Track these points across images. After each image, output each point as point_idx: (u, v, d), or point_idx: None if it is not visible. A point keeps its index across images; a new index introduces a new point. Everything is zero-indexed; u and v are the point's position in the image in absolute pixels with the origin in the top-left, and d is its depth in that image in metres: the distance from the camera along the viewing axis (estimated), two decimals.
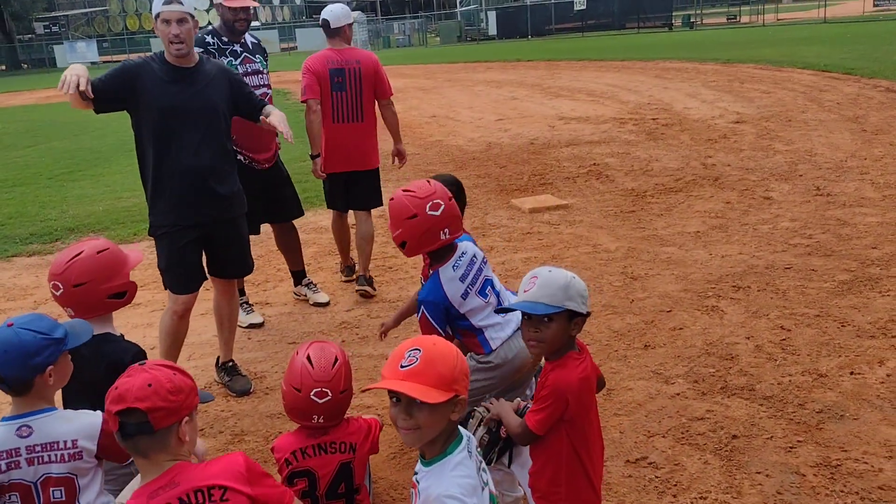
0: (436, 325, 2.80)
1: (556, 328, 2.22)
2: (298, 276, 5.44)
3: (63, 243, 7.14)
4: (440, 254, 2.88)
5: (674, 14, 47.75)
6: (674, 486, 3.00)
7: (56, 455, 2.07)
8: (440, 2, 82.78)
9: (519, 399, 2.64)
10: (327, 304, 5.28)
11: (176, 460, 1.88)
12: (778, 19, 43.04)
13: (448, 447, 1.92)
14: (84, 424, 2.13)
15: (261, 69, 4.79)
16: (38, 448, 2.07)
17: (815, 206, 6.61)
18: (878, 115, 10.57)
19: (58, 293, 2.61)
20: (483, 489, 1.95)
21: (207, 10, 66.32)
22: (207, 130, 3.77)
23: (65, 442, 2.09)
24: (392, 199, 2.89)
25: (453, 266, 2.86)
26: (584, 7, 49.07)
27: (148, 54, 3.85)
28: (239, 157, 4.57)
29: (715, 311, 4.63)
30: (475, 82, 20.99)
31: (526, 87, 18.54)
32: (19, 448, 2.06)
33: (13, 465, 2.06)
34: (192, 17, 3.62)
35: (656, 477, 3.07)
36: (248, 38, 4.76)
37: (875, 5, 45.70)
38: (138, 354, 2.58)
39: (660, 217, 6.73)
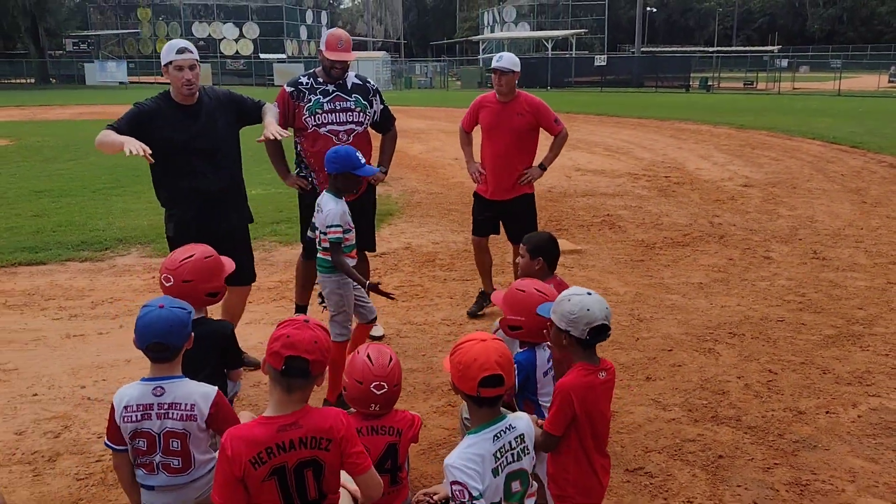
0: (516, 383, 3.29)
1: (553, 332, 2.83)
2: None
3: (113, 252, 7.73)
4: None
5: (692, 76, 48.80)
6: (665, 491, 3.50)
7: (177, 414, 2.61)
8: (463, 47, 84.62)
9: (535, 416, 3.16)
10: (381, 337, 5.47)
11: (303, 405, 2.41)
12: (794, 88, 44.04)
13: (475, 428, 2.49)
14: (202, 394, 2.66)
15: (352, 107, 5.10)
16: (166, 406, 2.61)
17: (811, 268, 7.15)
18: (879, 189, 11.16)
19: (168, 284, 3.16)
20: (500, 472, 2.47)
21: (236, 41, 68.06)
22: (212, 159, 4.39)
23: (186, 404, 2.62)
24: (521, 287, 3.36)
25: (544, 349, 3.33)
26: (604, 63, 50.26)
27: (155, 96, 4.42)
28: (318, 187, 5.09)
29: (711, 352, 5.15)
30: None
31: (544, 136, 19.20)
32: (153, 404, 2.61)
33: (146, 417, 2.60)
34: (199, 62, 4.31)
35: (651, 483, 3.57)
36: (351, 78, 5.16)
37: (890, 81, 46.77)
38: (230, 327, 3.31)
39: (667, 267, 7.27)
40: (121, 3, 74.43)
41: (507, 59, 5.51)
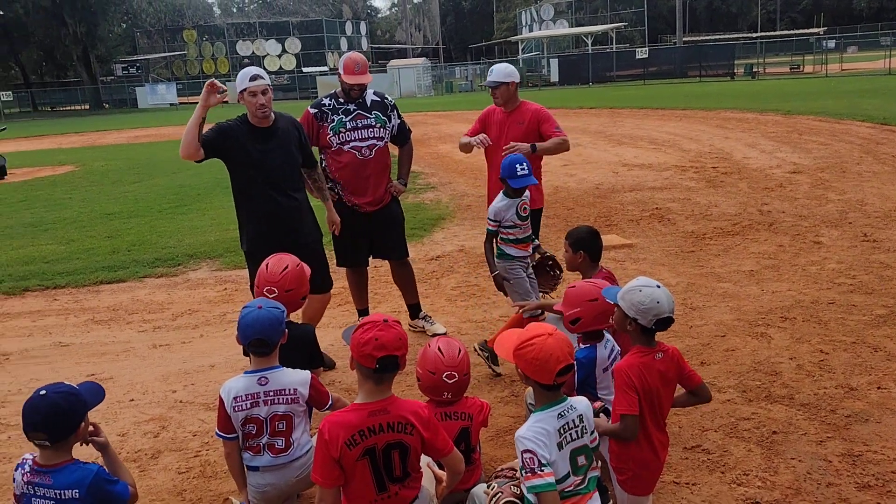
0: (576, 380, 3.56)
1: (617, 315, 3.11)
2: (414, 309, 6.05)
3: (185, 267, 8.20)
4: (597, 334, 3.60)
5: (736, 63, 48.14)
6: (722, 466, 3.72)
7: (282, 398, 2.96)
8: (502, 48, 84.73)
9: (597, 402, 3.42)
10: (443, 334, 5.71)
11: (390, 393, 2.74)
12: (842, 69, 43.11)
13: (540, 407, 2.78)
14: (301, 378, 3.02)
15: (373, 123, 5.46)
16: (271, 393, 2.96)
17: (861, 251, 7.23)
18: None
19: (272, 296, 3.50)
20: (564, 446, 2.75)
21: (279, 56, 69.24)
22: (282, 174, 4.75)
23: (288, 389, 2.98)
24: (573, 285, 3.64)
25: (605, 346, 3.62)
26: (645, 56, 49.91)
27: (235, 118, 4.75)
28: (344, 200, 5.46)
29: (763, 336, 5.32)
30: None
31: (589, 134, 19.37)
32: (259, 392, 2.96)
33: (255, 405, 2.96)
34: (270, 86, 4.65)
35: (708, 459, 3.79)
36: (370, 96, 5.52)
37: None
38: (313, 329, 3.69)
39: (717, 257, 7.42)
40: (167, 26, 76.68)
41: (497, 73, 5.41)
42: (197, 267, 8.22)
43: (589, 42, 62.44)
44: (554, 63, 54.66)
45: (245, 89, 4.56)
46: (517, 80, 5.52)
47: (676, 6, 62.33)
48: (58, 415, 2.54)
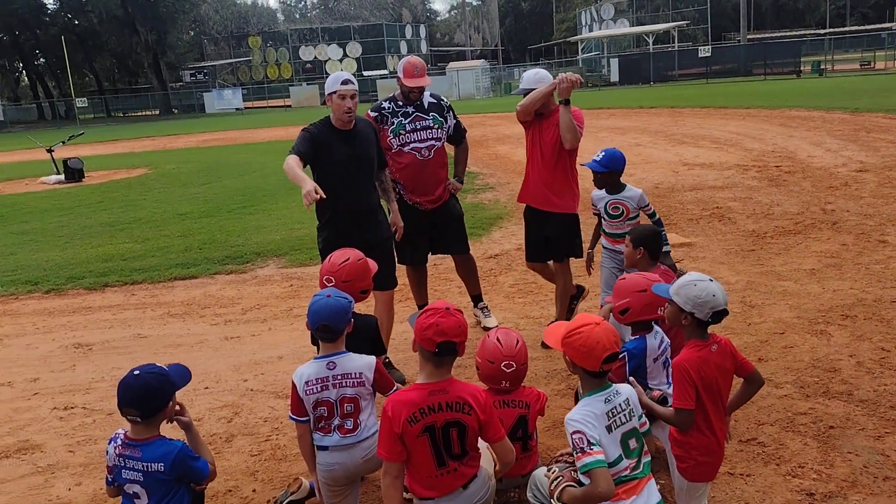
0: (627, 370, 3.65)
1: (671, 310, 3.17)
2: (476, 299, 6.27)
3: (253, 265, 8.54)
4: (647, 325, 3.70)
5: (803, 60, 46.90)
6: (777, 458, 3.77)
7: (349, 381, 3.16)
8: (561, 48, 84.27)
9: (657, 390, 3.52)
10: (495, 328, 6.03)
11: (448, 377, 2.91)
12: None
13: (587, 392, 2.92)
14: (366, 363, 3.21)
15: (431, 125, 5.65)
16: (339, 377, 3.16)
17: None
18: None
19: (330, 284, 3.70)
20: (614, 429, 2.86)
21: (340, 60, 70.38)
22: (363, 175, 4.95)
23: (355, 373, 3.18)
24: (623, 277, 3.78)
25: (654, 337, 3.72)
26: (708, 54, 49.04)
27: (317, 122, 4.95)
28: (406, 199, 5.64)
29: (823, 334, 5.30)
30: (599, 129, 21.82)
31: (649, 133, 19.23)
32: (328, 377, 3.17)
33: (324, 388, 3.16)
34: (357, 92, 4.86)
35: (763, 452, 3.84)
36: (427, 98, 5.70)
37: None
38: (376, 320, 3.88)
39: (778, 256, 7.37)
40: (233, 33, 78.63)
41: (527, 80, 5.46)
42: (264, 264, 8.54)
43: (650, 41, 61.64)
44: (614, 63, 54.15)
45: (335, 92, 4.76)
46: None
47: (741, 3, 61.05)
48: (149, 393, 2.78)
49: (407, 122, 5.59)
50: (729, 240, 8.13)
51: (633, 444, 2.91)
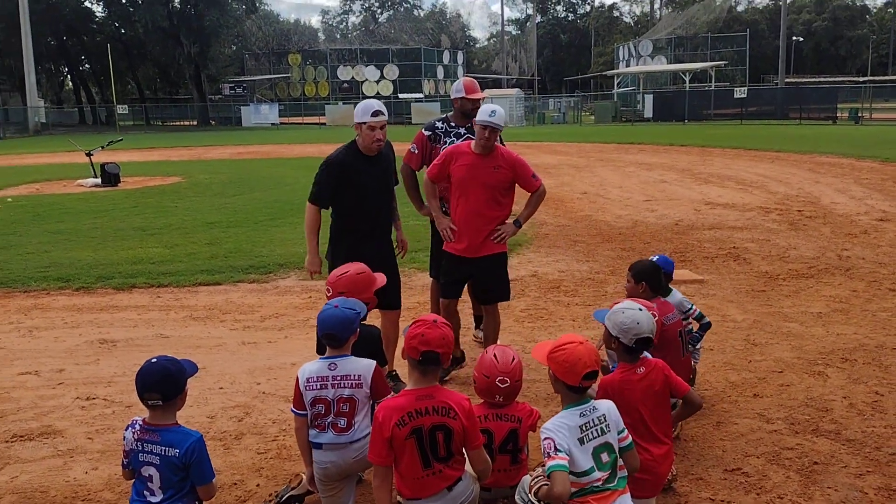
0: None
1: (605, 334, 3.57)
2: (478, 320, 6.45)
3: (275, 275, 8.82)
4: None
5: (840, 106, 46.68)
6: (759, 489, 3.91)
7: (347, 383, 3.39)
8: (597, 81, 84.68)
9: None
10: None
11: (435, 384, 3.13)
12: None
13: (565, 406, 3.20)
14: (365, 366, 3.44)
15: None
16: (339, 378, 3.39)
17: None
18: None
19: (328, 294, 3.95)
20: (585, 442, 3.07)
21: (377, 82, 71.28)
22: (384, 197, 5.19)
23: (354, 375, 3.41)
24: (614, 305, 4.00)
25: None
26: (744, 95, 49.03)
27: (341, 147, 5.10)
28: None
29: (821, 375, 5.42)
30: (627, 163, 22.01)
31: (676, 171, 19.36)
32: (328, 376, 3.40)
33: (323, 387, 3.39)
34: (387, 121, 5.03)
35: (746, 481, 3.98)
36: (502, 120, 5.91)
37: None
38: (378, 332, 4.12)
39: (787, 298, 7.48)
40: (273, 49, 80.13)
41: (500, 116, 5.10)
42: (286, 276, 8.82)
43: (687, 79, 61.80)
44: (648, 98, 54.29)
45: (365, 123, 4.92)
46: None
47: (780, 47, 61.05)
48: (168, 377, 3.03)
49: (459, 141, 5.72)
50: (741, 279, 8.25)
51: (605, 457, 3.10)
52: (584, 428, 3.10)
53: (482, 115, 5.07)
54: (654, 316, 3.86)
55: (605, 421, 3.16)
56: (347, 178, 5.00)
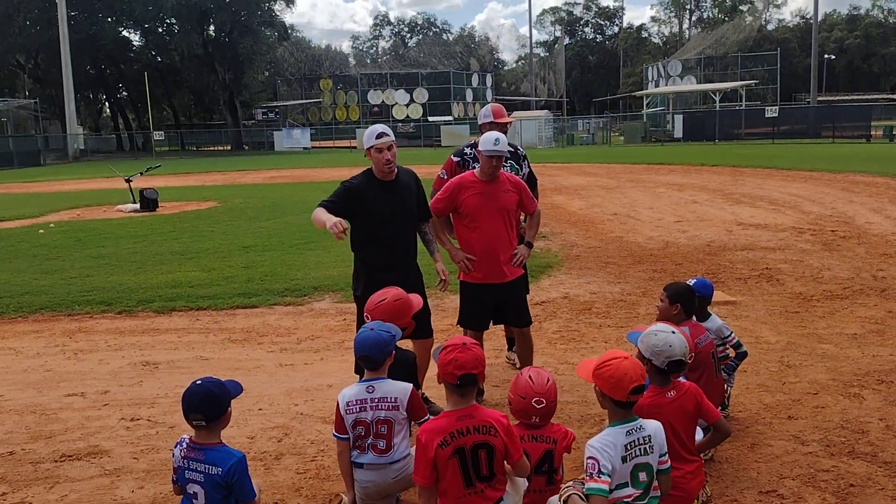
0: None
1: (637, 355, 3.57)
2: (511, 342, 6.53)
3: (311, 298, 8.98)
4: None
5: (874, 124, 46.10)
6: None
7: (385, 405, 3.50)
8: (626, 102, 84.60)
9: None
10: None
11: (473, 403, 3.22)
12: None
13: (612, 423, 3.24)
14: (402, 389, 3.55)
15: (508, 172, 5.70)
16: (377, 400, 3.50)
17: None
18: None
19: (368, 321, 4.06)
20: (628, 460, 3.12)
21: (407, 105, 71.96)
22: (404, 224, 5.21)
23: (391, 397, 3.52)
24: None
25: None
26: (775, 115, 48.66)
27: (359, 174, 5.16)
28: None
29: (856, 397, 5.40)
30: (657, 184, 21.96)
31: (708, 191, 19.29)
32: (366, 399, 3.51)
33: (363, 409, 3.50)
34: (395, 142, 5.08)
35: (782, 503, 4.00)
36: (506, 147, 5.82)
37: None
38: (413, 356, 4.20)
39: (822, 319, 7.44)
40: (305, 75, 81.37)
41: (504, 143, 5.23)
42: (321, 298, 8.97)
43: (717, 98, 61.53)
44: (678, 119, 54.12)
45: (372, 146, 5.01)
46: None
47: (811, 65, 60.58)
48: (211, 399, 3.16)
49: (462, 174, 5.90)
50: (774, 301, 8.22)
51: (642, 476, 3.16)
52: (629, 447, 3.17)
53: (486, 144, 5.16)
54: (692, 341, 3.94)
55: (650, 442, 3.22)
56: (364, 204, 5.04)
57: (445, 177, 6.02)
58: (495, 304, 5.50)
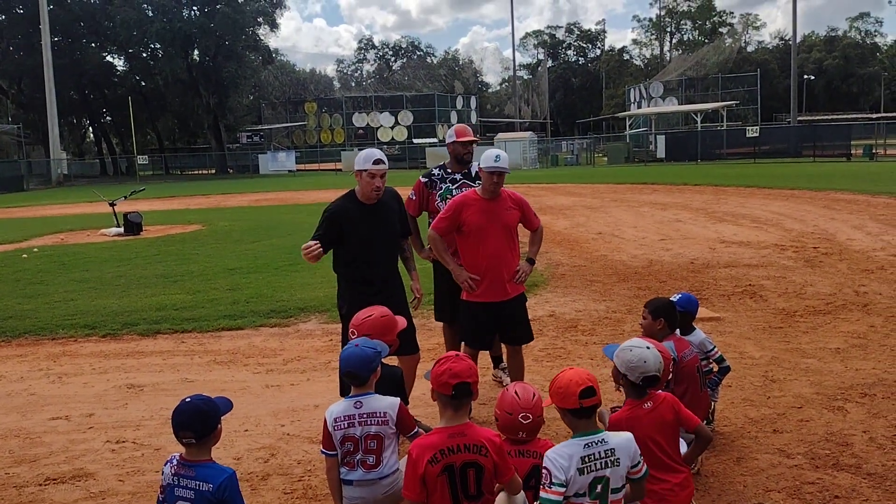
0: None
1: (614, 370, 3.66)
2: (497, 360, 6.55)
3: (297, 319, 8.96)
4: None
5: (854, 143, 46.73)
6: None
7: (373, 420, 3.50)
8: (609, 123, 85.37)
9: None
10: None
11: (466, 421, 3.22)
12: None
13: (574, 434, 3.28)
14: (390, 403, 3.56)
15: None
16: (365, 416, 3.50)
17: None
18: None
19: (353, 337, 4.08)
20: (586, 472, 3.16)
21: (391, 128, 72.34)
22: (386, 245, 5.24)
23: (379, 412, 3.52)
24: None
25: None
26: (756, 134, 49.24)
27: (340, 197, 5.20)
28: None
29: (840, 410, 5.45)
30: (641, 203, 22.14)
31: (691, 210, 19.46)
32: (354, 415, 3.51)
33: (351, 425, 3.50)
34: (387, 170, 5.12)
35: None
36: (475, 168, 5.99)
37: None
38: (400, 372, 4.23)
39: (805, 334, 7.51)
40: (290, 98, 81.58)
41: (506, 160, 5.23)
42: (307, 319, 8.96)
43: (698, 119, 62.20)
44: (661, 139, 54.64)
45: (366, 170, 5.00)
46: None
47: (791, 85, 61.44)
48: (200, 415, 3.15)
49: (454, 187, 5.98)
50: (758, 317, 8.29)
51: (599, 488, 3.18)
52: (586, 459, 3.18)
53: (487, 161, 5.17)
54: (670, 356, 3.98)
55: (614, 455, 3.22)
56: (347, 228, 5.07)
57: (414, 198, 6.17)
58: (496, 322, 5.49)
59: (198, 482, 3.14)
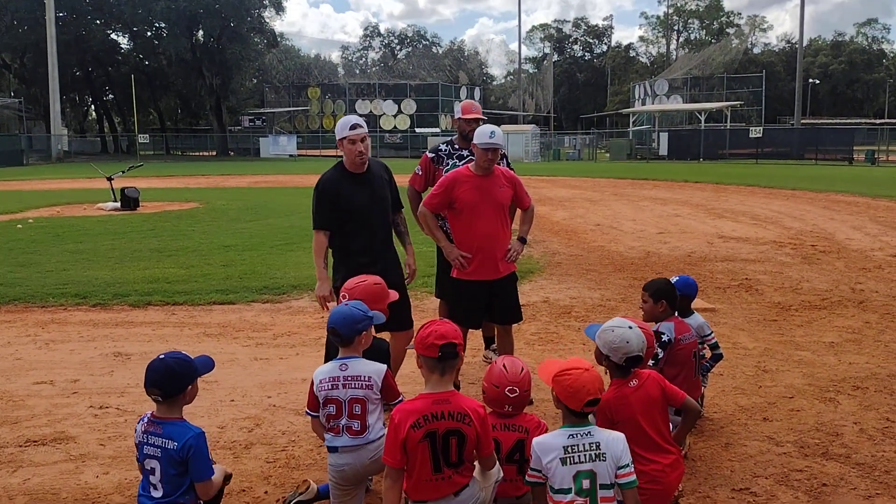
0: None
1: (596, 351, 3.62)
2: (488, 341, 6.54)
3: (289, 296, 8.90)
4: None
5: (856, 148, 46.66)
6: None
7: (358, 384, 3.46)
8: (612, 119, 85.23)
9: None
10: None
11: (451, 389, 3.17)
12: None
13: (562, 425, 3.24)
14: (376, 369, 3.51)
15: None
16: (349, 378, 3.46)
17: None
18: None
19: (344, 301, 4.02)
20: (568, 463, 3.11)
21: (394, 116, 72.16)
22: (378, 217, 5.15)
23: (364, 376, 3.47)
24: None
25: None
26: (759, 135, 49.14)
27: (329, 169, 5.16)
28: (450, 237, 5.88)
29: (832, 401, 5.40)
30: (641, 198, 22.07)
31: (690, 206, 19.39)
32: (339, 377, 3.46)
33: (335, 387, 3.45)
34: (368, 134, 5.02)
35: (754, 501, 3.97)
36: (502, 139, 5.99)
37: None
38: (387, 345, 4.21)
39: (799, 327, 7.46)
40: (294, 83, 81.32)
41: (500, 136, 5.09)
42: (299, 297, 8.90)
43: (702, 118, 62.08)
44: (664, 137, 54.54)
45: (345, 137, 4.92)
46: None
47: (796, 88, 61.32)
48: (171, 376, 3.11)
49: (461, 164, 5.80)
50: (753, 309, 8.24)
51: (585, 483, 3.11)
52: (569, 450, 3.13)
53: (482, 137, 5.08)
54: (653, 334, 3.94)
55: (599, 449, 3.15)
56: (339, 200, 5.01)
57: (420, 172, 6.08)
58: (487, 301, 5.42)
59: (164, 440, 3.10)
